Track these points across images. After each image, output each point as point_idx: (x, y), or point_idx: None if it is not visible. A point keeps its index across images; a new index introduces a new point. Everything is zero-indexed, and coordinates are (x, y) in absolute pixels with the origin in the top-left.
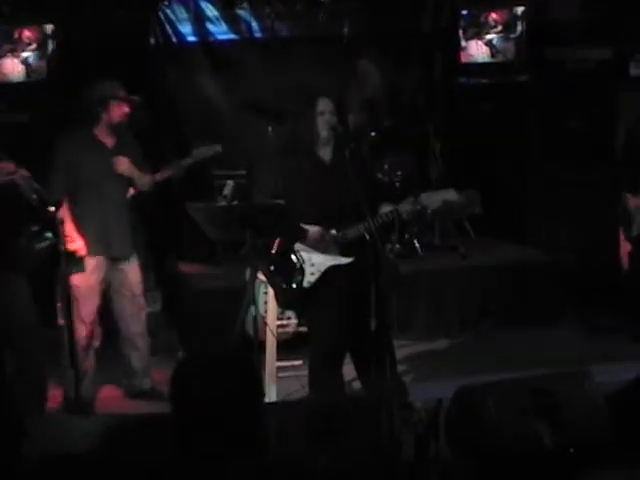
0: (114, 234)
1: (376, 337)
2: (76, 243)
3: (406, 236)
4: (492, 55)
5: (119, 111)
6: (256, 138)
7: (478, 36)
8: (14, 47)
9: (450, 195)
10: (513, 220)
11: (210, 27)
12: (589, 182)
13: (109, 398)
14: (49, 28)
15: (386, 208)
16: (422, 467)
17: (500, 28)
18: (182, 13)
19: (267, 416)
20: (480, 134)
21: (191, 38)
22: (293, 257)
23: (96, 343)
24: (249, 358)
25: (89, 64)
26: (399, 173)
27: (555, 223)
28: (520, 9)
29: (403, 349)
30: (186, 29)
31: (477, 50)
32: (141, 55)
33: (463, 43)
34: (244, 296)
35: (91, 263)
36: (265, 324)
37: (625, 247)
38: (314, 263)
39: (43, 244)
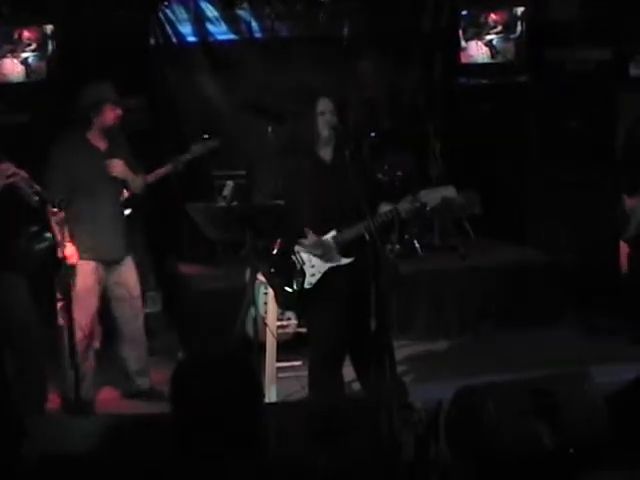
0: (109, 237)
1: (376, 338)
2: (67, 249)
3: (406, 236)
4: (492, 56)
5: (112, 114)
6: (256, 138)
7: (478, 37)
8: (14, 48)
9: (449, 192)
10: (513, 220)
11: (210, 27)
12: (589, 183)
13: (108, 399)
14: (49, 28)
15: (385, 208)
16: (422, 468)
17: (500, 29)
18: (182, 13)
19: (267, 417)
20: (480, 134)
21: (191, 38)
22: (293, 258)
23: (96, 344)
24: (248, 358)
25: (89, 64)
26: (399, 173)
27: (555, 224)
28: (520, 10)
29: (403, 350)
30: (186, 29)
31: (477, 51)
32: (141, 55)
33: (463, 43)
34: (244, 297)
35: (88, 266)
36: (265, 325)
37: (624, 249)
38: (314, 264)
39: (43, 245)
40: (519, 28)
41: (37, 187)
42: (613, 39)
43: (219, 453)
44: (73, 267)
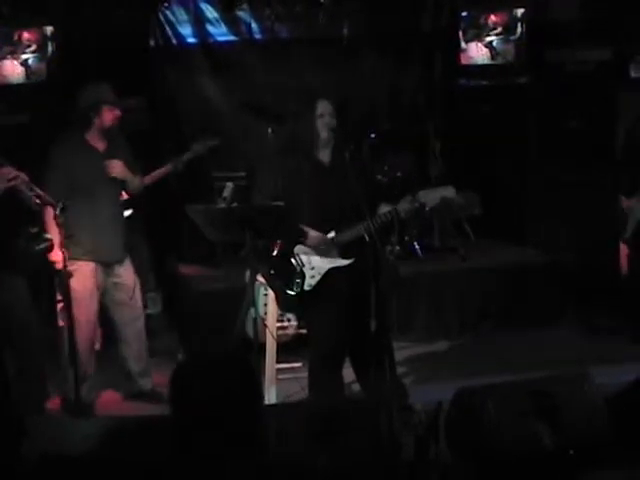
0: (108, 238)
1: (376, 339)
2: (54, 255)
3: (406, 238)
4: (492, 57)
5: (111, 115)
6: (256, 139)
7: (478, 38)
8: (14, 49)
9: (448, 192)
10: (513, 221)
11: (210, 28)
12: (589, 182)
13: (109, 400)
14: (49, 30)
15: (385, 208)
16: (422, 469)
17: (500, 30)
18: (182, 15)
19: (267, 418)
20: (480, 134)
21: (191, 39)
22: (293, 261)
23: (96, 345)
24: (248, 359)
25: (89, 65)
26: (399, 174)
27: (555, 223)
28: (520, 11)
29: (403, 351)
30: (186, 30)
31: (477, 52)
32: (141, 56)
33: (463, 45)
34: (244, 298)
35: (87, 267)
36: (265, 326)
37: (624, 250)
38: (314, 266)
39: (42, 245)
40: (519, 29)
41: (37, 190)
42: (613, 39)
43: (219, 453)
44: (62, 271)
